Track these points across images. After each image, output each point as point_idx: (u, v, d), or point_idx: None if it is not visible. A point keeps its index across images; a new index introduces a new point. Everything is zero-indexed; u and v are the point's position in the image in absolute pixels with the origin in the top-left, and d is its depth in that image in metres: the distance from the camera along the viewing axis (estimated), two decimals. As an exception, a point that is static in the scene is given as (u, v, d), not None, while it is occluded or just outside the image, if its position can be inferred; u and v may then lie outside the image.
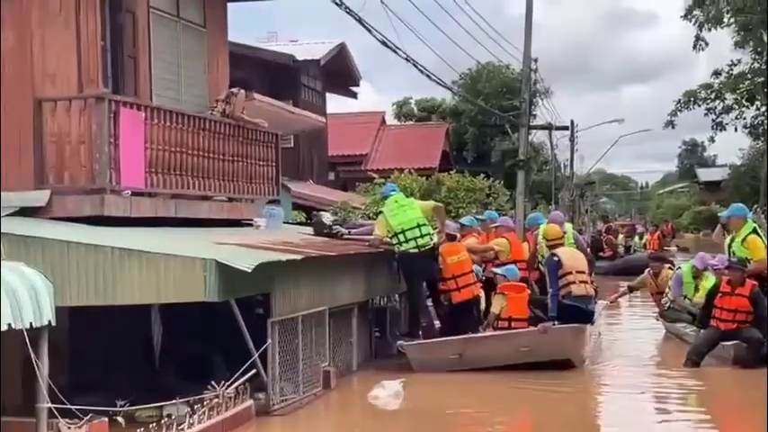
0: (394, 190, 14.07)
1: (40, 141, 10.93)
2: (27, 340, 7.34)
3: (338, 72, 32.72)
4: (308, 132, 28.52)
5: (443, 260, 13.60)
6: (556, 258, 13.34)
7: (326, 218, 15.50)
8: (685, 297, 16.26)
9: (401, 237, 13.17)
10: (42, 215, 10.68)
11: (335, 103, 36.87)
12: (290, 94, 27.25)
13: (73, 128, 10.94)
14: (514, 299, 13.24)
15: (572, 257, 13.59)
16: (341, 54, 32.34)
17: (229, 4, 15.50)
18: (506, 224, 15.99)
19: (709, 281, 15.71)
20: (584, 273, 13.48)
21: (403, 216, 13.27)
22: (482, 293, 14.13)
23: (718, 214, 16.92)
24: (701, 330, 13.88)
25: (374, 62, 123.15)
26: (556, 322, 12.90)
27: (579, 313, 13.12)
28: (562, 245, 14.09)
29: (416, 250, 13.16)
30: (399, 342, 13.61)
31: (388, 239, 13.44)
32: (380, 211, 13.84)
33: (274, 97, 20.31)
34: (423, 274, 13.47)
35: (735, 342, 12.95)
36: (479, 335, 13.19)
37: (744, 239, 13.86)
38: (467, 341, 12.92)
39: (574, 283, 13.14)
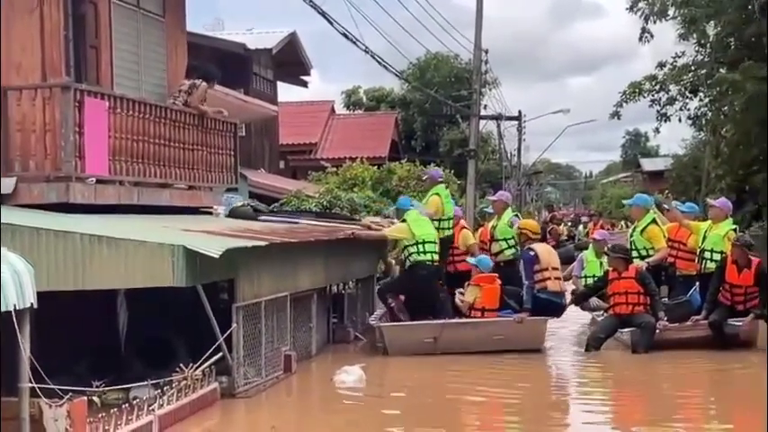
0: (413, 205, 14.68)
1: (6, 130, 11.07)
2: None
3: (289, 61, 32.79)
4: (260, 121, 28.68)
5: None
6: (532, 253, 13.82)
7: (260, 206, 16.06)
8: (587, 277, 16.34)
9: (420, 247, 13.74)
10: (8, 202, 10.80)
11: (284, 92, 36.97)
12: (241, 83, 27.32)
13: (38, 116, 11.09)
14: (488, 290, 13.61)
15: (549, 253, 14.17)
16: (292, 43, 32.40)
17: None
18: (458, 215, 16.27)
19: None
20: (557, 269, 14.07)
21: (427, 229, 13.93)
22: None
23: (624, 202, 17.72)
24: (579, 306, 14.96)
25: (320, 50, 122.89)
26: (527, 313, 13.39)
27: (553, 307, 13.73)
28: (538, 240, 14.60)
29: (431, 263, 13.77)
30: (372, 321, 14.21)
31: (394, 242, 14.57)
32: (404, 219, 14.31)
33: (226, 86, 20.45)
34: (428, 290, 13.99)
35: (631, 329, 13.41)
36: (456, 321, 13.55)
37: (643, 229, 14.45)
38: (443, 326, 13.27)
39: (549, 279, 13.69)
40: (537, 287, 13.59)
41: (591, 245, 17.28)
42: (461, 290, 13.94)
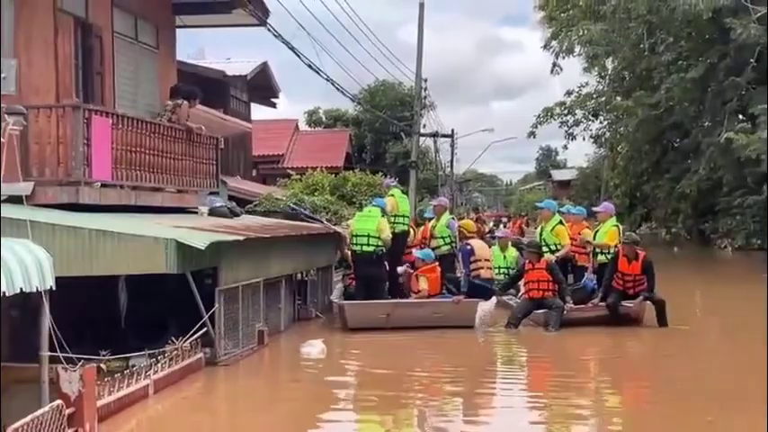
0: (379, 205, 14.33)
1: (26, 142, 11.00)
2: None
3: (261, 86, 32.82)
4: (237, 136, 28.68)
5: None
6: (469, 247, 14.54)
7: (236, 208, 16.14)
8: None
9: (354, 239, 13.91)
10: (27, 202, 10.74)
11: (256, 112, 36.94)
12: (221, 104, 27.35)
13: (53, 131, 11.00)
14: (432, 279, 13.83)
15: (483, 248, 14.81)
16: (264, 71, 32.46)
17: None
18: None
19: (511, 251, 16.98)
20: (489, 261, 14.68)
21: (360, 224, 13.95)
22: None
23: (536, 204, 18.56)
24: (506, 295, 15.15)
25: (287, 76, 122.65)
26: (464, 296, 13.65)
27: (485, 291, 14.09)
28: (474, 237, 15.07)
29: (360, 253, 13.80)
30: (335, 299, 14.47)
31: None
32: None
33: (208, 106, 20.54)
34: (362, 273, 14.06)
35: (544, 311, 13.63)
36: (405, 300, 13.78)
37: (552, 228, 14.85)
38: (395, 305, 13.49)
39: (483, 268, 14.28)
40: (473, 275, 13.99)
41: (497, 241, 17.85)
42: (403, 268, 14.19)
